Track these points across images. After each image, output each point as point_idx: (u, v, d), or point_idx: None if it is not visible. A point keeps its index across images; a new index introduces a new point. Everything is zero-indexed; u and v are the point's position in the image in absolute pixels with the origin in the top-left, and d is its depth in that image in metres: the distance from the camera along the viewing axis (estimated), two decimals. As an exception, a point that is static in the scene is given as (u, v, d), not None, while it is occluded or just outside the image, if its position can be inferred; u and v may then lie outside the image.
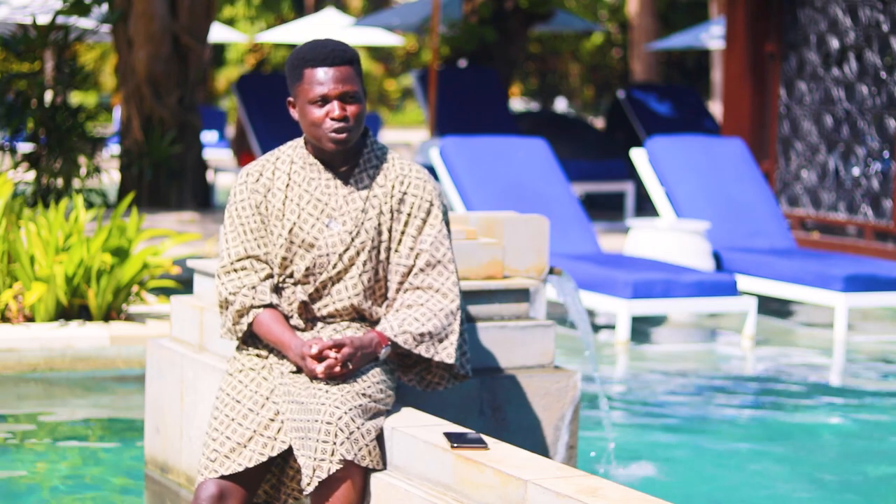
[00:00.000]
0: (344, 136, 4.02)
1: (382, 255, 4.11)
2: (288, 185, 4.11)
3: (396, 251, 4.11)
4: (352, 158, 4.13)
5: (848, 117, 11.99)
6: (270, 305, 4.10)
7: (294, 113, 4.11)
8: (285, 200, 4.10)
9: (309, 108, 4.03)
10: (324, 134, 4.02)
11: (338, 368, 3.91)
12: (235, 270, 4.11)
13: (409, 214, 4.11)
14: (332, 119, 4.00)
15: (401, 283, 4.10)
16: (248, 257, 4.11)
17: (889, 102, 11.69)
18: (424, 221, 4.11)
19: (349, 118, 4.02)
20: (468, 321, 4.70)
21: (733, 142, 10.61)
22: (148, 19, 13.80)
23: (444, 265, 4.10)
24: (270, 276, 4.12)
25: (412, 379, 4.20)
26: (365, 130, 4.16)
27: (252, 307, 4.08)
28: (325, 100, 4.01)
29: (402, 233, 4.11)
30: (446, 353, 4.08)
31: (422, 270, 4.09)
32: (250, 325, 4.10)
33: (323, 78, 4.01)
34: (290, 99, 4.12)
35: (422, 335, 4.04)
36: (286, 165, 4.14)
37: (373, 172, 4.11)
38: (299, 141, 4.18)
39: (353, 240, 4.07)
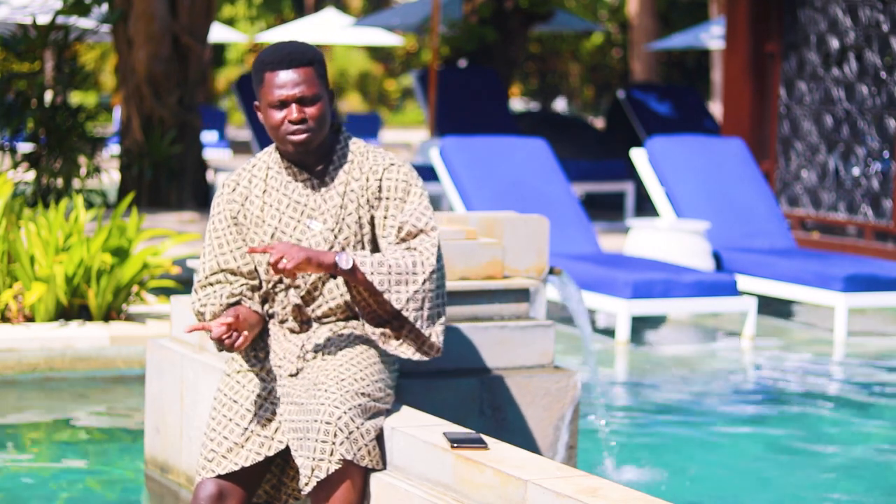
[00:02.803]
0: (302, 136, 4.01)
1: (368, 248, 4.11)
2: (265, 192, 4.11)
3: (384, 237, 4.09)
4: (324, 157, 4.12)
5: (848, 117, 11.99)
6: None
7: (260, 117, 4.12)
8: (263, 207, 4.10)
9: (270, 112, 4.03)
10: (283, 137, 4.03)
11: (285, 266, 3.84)
12: (211, 284, 4.13)
13: (387, 199, 4.09)
14: (290, 122, 4.00)
15: None
16: (222, 271, 4.12)
17: (889, 102, 11.69)
18: (404, 201, 4.10)
19: (307, 120, 4.01)
20: (468, 321, 4.70)
21: (733, 142, 10.61)
22: (148, 19, 13.80)
23: (427, 233, 4.07)
24: (245, 286, 4.12)
25: (383, 338, 4.09)
26: (338, 127, 4.15)
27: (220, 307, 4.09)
28: (283, 103, 4.01)
29: (385, 217, 4.09)
30: (398, 296, 3.97)
31: (403, 240, 4.06)
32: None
33: (281, 81, 4.00)
34: (256, 103, 4.13)
35: (381, 264, 3.95)
36: (262, 172, 4.14)
37: (347, 167, 4.11)
38: (274, 146, 4.19)
39: (336, 237, 4.07)
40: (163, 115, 13.99)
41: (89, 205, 11.86)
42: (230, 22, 35.88)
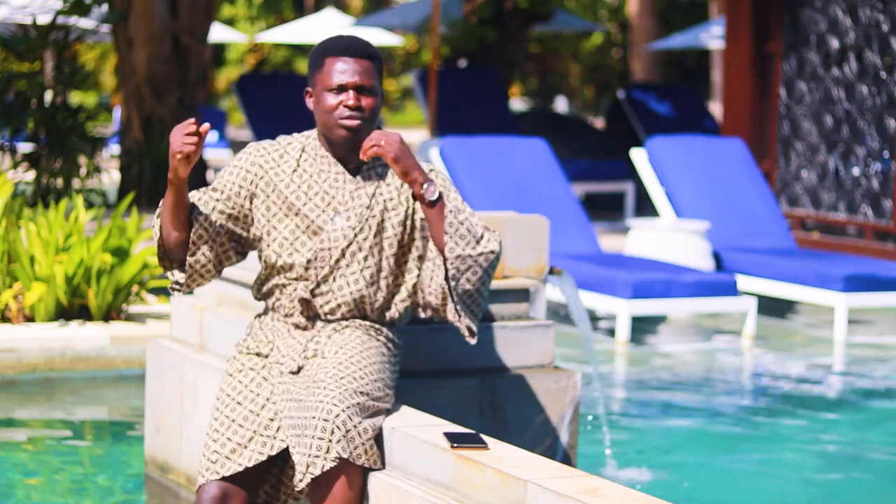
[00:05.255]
0: (355, 123, 4.04)
1: (387, 252, 4.12)
2: (295, 171, 4.12)
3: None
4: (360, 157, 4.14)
5: (848, 117, 11.99)
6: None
7: (310, 103, 4.14)
8: (290, 185, 4.11)
9: (325, 95, 4.06)
10: (335, 121, 4.05)
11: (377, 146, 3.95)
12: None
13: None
14: (346, 107, 4.03)
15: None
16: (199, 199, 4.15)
17: (889, 102, 11.69)
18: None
19: (363, 109, 4.05)
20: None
21: (733, 142, 10.61)
22: (148, 19, 13.79)
23: (492, 231, 4.15)
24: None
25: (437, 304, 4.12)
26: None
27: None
28: (341, 89, 4.04)
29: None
30: (451, 246, 4.00)
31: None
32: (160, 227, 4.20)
33: (342, 67, 4.06)
34: (308, 89, 4.14)
35: (459, 211, 4.06)
36: (296, 152, 4.16)
37: (381, 171, 4.14)
38: (313, 132, 4.20)
39: (356, 235, 4.08)
40: (163, 115, 13.98)
41: (89, 205, 11.85)
42: (230, 22, 35.88)
